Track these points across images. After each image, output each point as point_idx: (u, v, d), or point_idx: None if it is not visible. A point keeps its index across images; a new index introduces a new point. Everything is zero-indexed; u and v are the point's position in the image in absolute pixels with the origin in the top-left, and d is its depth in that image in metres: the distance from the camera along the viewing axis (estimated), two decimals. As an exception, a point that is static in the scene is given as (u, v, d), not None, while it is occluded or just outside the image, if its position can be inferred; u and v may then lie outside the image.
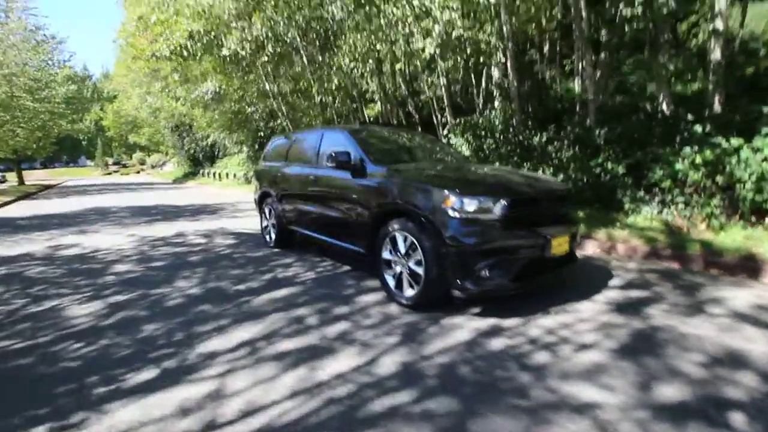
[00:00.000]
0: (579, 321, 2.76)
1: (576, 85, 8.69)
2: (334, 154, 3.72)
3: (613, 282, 3.59)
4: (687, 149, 6.05)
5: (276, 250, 5.29)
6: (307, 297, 3.42)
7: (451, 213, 2.80)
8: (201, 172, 25.80)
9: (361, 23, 7.73)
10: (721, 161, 5.42)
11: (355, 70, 8.06)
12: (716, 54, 6.26)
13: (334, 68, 8.97)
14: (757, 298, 3.17)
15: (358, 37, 7.88)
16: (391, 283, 3.25)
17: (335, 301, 3.31)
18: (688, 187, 5.54)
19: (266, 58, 9.69)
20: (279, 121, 14.29)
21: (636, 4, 6.24)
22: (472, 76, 9.74)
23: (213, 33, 9.52)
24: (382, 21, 7.44)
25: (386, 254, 3.30)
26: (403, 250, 3.11)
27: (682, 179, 5.59)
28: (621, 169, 6.25)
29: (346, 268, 4.29)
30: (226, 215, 9.02)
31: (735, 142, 5.32)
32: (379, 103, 11.16)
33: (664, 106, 6.80)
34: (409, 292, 3.08)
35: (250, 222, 7.81)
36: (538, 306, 3.00)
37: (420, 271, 2.96)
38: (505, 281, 2.80)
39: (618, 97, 8.98)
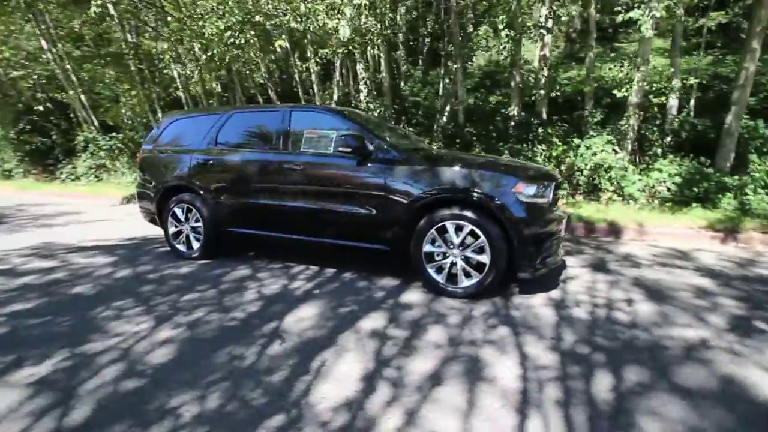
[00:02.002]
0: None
1: (441, 88, 9.82)
2: (346, 140, 3.17)
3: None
4: (541, 146, 7.79)
5: (203, 261, 4.05)
6: (346, 311, 2.82)
7: (522, 198, 2.85)
8: None
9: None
10: (566, 155, 7.25)
11: (234, 39, 6.76)
12: (544, 73, 8.30)
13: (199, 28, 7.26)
14: (647, 247, 4.52)
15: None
16: (438, 276, 3.05)
17: (383, 308, 2.86)
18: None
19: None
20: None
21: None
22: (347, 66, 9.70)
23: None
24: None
25: (428, 247, 3.06)
26: (457, 240, 2.96)
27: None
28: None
29: (332, 270, 3.71)
30: (52, 222, 6.20)
31: (576, 141, 7.22)
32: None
33: (515, 111, 8.54)
34: (466, 282, 2.98)
35: (107, 229, 5.68)
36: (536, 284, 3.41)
37: (483, 259, 2.90)
38: (557, 257, 3.08)
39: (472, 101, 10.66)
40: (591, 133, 7.24)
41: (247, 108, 4.61)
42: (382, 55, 9.26)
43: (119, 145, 12.70)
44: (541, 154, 7.45)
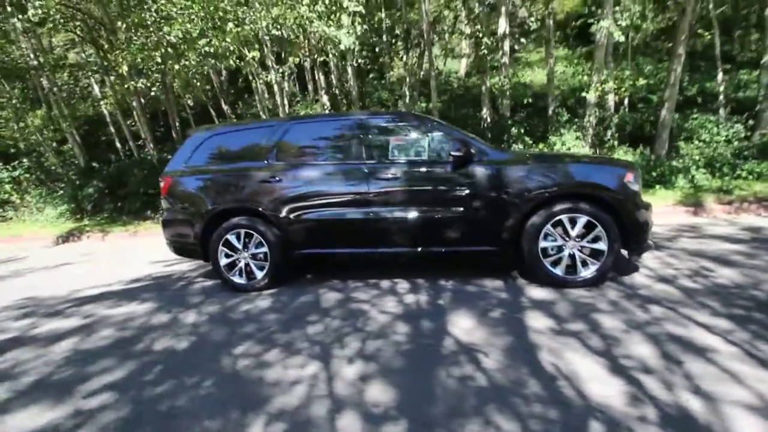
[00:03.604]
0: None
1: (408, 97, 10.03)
2: (456, 144, 3.15)
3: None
4: (517, 145, 8.41)
5: (269, 291, 3.61)
6: (498, 315, 2.77)
7: (630, 187, 3.09)
8: None
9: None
10: (542, 151, 7.94)
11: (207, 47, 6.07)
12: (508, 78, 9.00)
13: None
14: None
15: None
16: (556, 270, 3.16)
17: (529, 307, 2.86)
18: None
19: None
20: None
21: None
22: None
23: None
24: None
25: (543, 243, 3.16)
26: (574, 232, 3.10)
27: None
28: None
29: (420, 280, 3.57)
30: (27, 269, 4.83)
31: (554, 138, 7.94)
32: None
33: (487, 115, 9.11)
34: (586, 271, 3.13)
35: (82, 273, 4.72)
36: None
37: (600, 246, 3.08)
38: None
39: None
40: (562, 131, 8.06)
41: (307, 118, 4.21)
42: (351, 62, 9.17)
43: (25, 174, 10.60)
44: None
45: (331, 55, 8.21)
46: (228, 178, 3.63)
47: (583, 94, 7.67)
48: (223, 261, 3.65)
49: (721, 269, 3.36)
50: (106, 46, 9.84)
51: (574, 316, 2.64)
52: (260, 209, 3.53)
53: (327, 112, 9.85)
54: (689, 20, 7.33)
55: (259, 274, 3.62)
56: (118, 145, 11.27)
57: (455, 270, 3.75)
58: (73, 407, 2.01)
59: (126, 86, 8.38)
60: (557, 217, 3.11)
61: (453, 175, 3.27)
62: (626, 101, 9.22)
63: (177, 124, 10.00)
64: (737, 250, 3.91)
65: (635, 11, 6.52)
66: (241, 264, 3.64)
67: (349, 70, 9.35)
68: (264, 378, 2.16)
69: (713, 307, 2.62)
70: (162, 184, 3.86)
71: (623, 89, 7.54)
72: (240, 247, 3.61)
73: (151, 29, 7.07)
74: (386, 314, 2.90)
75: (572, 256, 3.15)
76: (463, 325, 2.62)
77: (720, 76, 9.06)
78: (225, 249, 3.64)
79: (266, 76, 8.74)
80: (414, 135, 3.46)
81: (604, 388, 1.86)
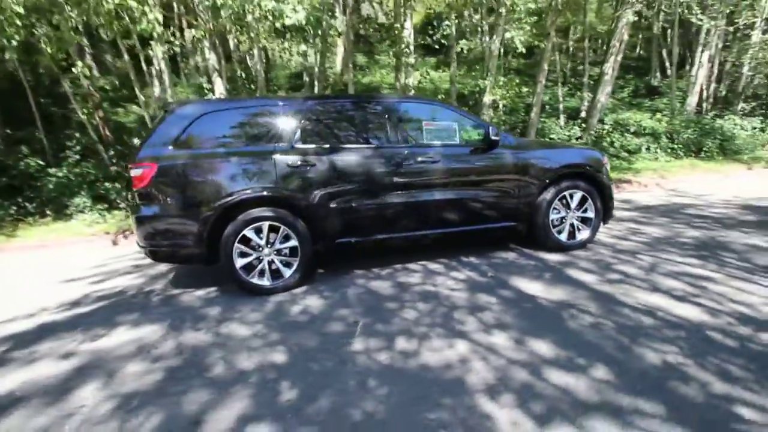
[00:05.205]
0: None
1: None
2: (488, 129, 3.44)
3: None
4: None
5: (297, 290, 3.23)
6: (551, 275, 3.18)
7: (606, 168, 3.92)
8: None
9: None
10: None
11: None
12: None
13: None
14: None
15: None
16: (561, 236, 3.79)
17: (568, 273, 3.38)
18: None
19: None
20: None
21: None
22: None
23: None
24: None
25: (554, 215, 3.74)
26: (574, 205, 3.78)
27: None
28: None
29: (445, 261, 3.76)
30: None
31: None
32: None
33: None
34: (580, 236, 3.84)
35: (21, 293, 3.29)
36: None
37: (589, 215, 3.84)
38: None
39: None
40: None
41: (329, 98, 3.73)
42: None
43: None
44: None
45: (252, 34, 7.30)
46: (245, 162, 3.07)
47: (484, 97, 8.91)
48: (240, 262, 3.09)
49: (646, 228, 4.57)
50: None
51: (603, 269, 3.27)
52: (289, 198, 3.12)
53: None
54: (548, 54, 9.33)
55: (287, 272, 3.19)
56: None
57: (463, 249, 4.04)
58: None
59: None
60: (563, 193, 3.73)
61: (484, 158, 3.55)
62: (501, 105, 11.08)
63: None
64: (635, 216, 5.33)
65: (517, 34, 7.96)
66: (264, 263, 3.14)
67: (256, 53, 8.54)
68: (427, 365, 2.05)
69: (674, 250, 3.62)
70: (139, 172, 2.98)
71: (506, 95, 9.09)
72: (262, 243, 3.12)
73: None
74: (457, 291, 3.01)
75: (572, 225, 3.83)
76: (535, 289, 2.95)
77: (560, 90, 11.72)
78: (241, 247, 3.08)
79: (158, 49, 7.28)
80: (444, 119, 3.59)
81: (683, 310, 2.46)
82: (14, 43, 5.36)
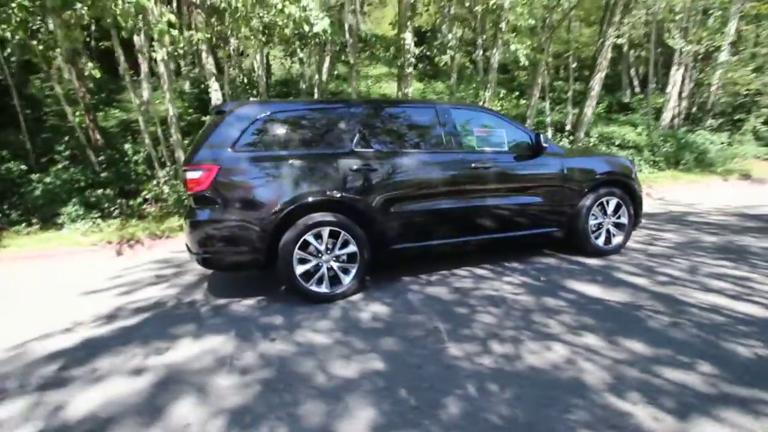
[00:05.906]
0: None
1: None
2: (537, 137, 3.55)
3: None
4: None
5: (357, 295, 3.16)
6: (612, 276, 3.27)
7: (636, 176, 4.10)
8: None
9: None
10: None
11: None
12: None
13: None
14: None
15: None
16: (599, 242, 3.91)
17: (618, 276, 3.49)
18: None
19: None
20: None
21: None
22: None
23: None
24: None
25: (593, 221, 3.87)
26: (610, 211, 3.92)
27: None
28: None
29: (490, 267, 3.79)
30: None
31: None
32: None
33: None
34: (616, 240, 3.99)
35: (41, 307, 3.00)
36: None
37: (623, 221, 4.00)
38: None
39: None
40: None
41: (383, 102, 3.70)
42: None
43: None
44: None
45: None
46: (308, 165, 2.99)
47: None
48: (300, 268, 2.98)
49: (663, 234, 4.80)
50: None
51: (649, 272, 3.40)
52: (351, 202, 3.06)
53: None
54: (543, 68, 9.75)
55: (346, 279, 3.11)
56: None
57: (502, 255, 4.08)
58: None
59: None
60: (601, 200, 3.87)
61: (532, 165, 3.64)
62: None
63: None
64: (644, 224, 5.60)
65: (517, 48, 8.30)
66: (323, 269, 3.05)
67: (258, 58, 8.39)
68: (536, 367, 2.05)
69: (702, 253, 3.83)
70: (196, 175, 2.83)
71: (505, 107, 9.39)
72: (322, 248, 3.03)
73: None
74: (521, 295, 3.03)
75: (607, 230, 3.97)
76: (595, 292, 3.03)
77: (547, 104, 12.23)
78: (301, 253, 2.98)
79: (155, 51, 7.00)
80: (494, 127, 3.65)
81: (744, 307, 2.60)
82: (16, 39, 4.99)
